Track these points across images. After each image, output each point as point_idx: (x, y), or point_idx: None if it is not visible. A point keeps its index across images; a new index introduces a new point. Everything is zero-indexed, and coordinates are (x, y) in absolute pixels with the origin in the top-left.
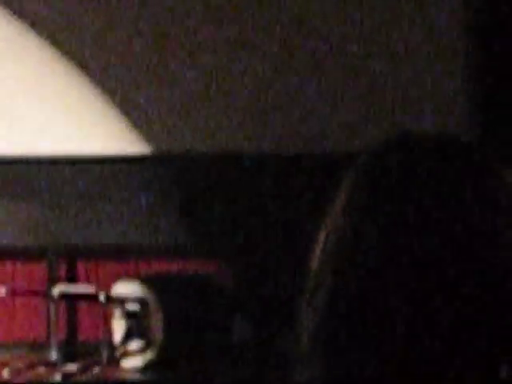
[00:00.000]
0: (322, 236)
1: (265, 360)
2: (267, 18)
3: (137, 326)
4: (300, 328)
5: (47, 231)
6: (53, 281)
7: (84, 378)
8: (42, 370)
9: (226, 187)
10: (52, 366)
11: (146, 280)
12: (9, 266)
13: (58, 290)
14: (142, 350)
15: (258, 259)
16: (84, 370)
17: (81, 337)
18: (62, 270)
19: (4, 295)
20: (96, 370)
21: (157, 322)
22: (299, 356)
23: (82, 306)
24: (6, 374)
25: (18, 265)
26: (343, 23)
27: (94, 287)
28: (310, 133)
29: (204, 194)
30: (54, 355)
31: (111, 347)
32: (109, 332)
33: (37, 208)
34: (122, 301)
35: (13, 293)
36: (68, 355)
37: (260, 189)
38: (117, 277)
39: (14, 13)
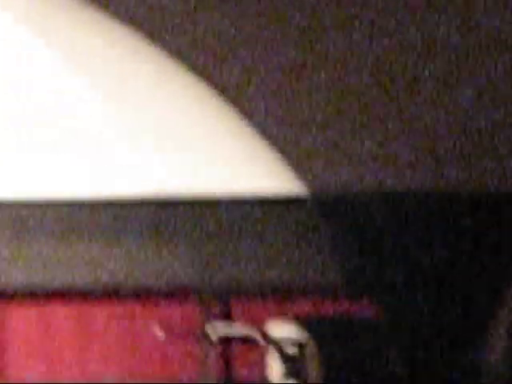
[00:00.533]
0: None
1: None
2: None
3: (295, 369)
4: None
5: (200, 271)
6: (208, 321)
7: None
8: None
9: (381, 225)
10: None
11: (302, 321)
12: (163, 306)
13: (215, 331)
14: None
15: (410, 296)
16: None
17: (236, 377)
18: (216, 310)
19: (163, 338)
20: None
21: (315, 366)
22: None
23: (238, 346)
24: None
25: (172, 305)
26: None
27: (251, 328)
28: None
29: (356, 232)
30: None
31: None
32: (265, 374)
33: (191, 249)
34: (279, 343)
35: (170, 334)
36: None
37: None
38: (270, 316)
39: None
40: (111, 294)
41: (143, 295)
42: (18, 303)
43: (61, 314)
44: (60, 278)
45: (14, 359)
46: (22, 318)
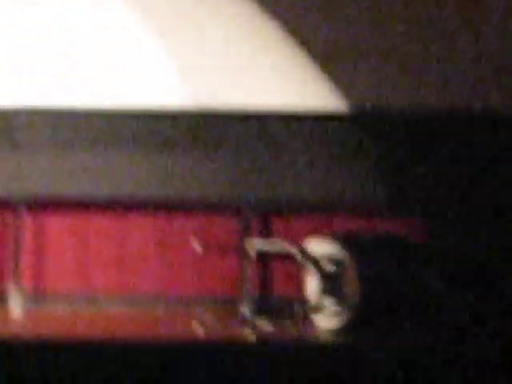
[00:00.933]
0: None
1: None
2: None
3: (331, 286)
4: None
5: (240, 185)
6: (246, 236)
7: (278, 336)
8: (235, 326)
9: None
10: (245, 322)
11: (340, 239)
12: (202, 219)
13: (253, 247)
14: (338, 311)
15: (452, 219)
16: (278, 328)
17: (274, 293)
18: (255, 225)
19: (200, 252)
20: (290, 328)
21: (352, 283)
22: None
23: (276, 262)
24: (199, 328)
25: (212, 219)
26: None
27: (290, 245)
28: None
29: (404, 153)
30: (246, 311)
31: (305, 306)
32: (302, 290)
33: (233, 163)
34: (317, 259)
35: (206, 247)
36: (261, 312)
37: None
38: (309, 233)
39: None
40: (150, 206)
41: (182, 209)
42: (56, 213)
43: (98, 225)
44: (98, 189)
45: (51, 268)
46: (60, 228)
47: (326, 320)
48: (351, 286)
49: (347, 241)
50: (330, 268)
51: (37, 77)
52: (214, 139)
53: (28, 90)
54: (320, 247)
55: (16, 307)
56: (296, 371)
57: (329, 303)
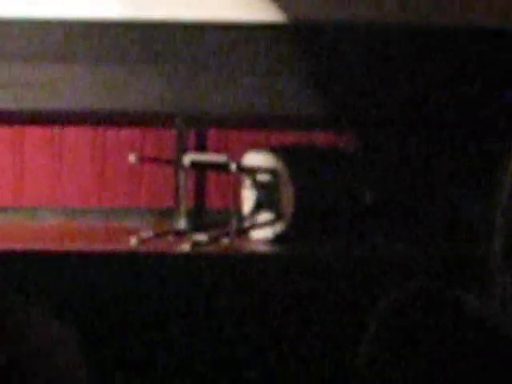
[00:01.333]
0: None
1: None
2: None
3: (267, 197)
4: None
5: (177, 99)
6: (182, 149)
7: (213, 247)
8: (170, 238)
9: (365, 59)
10: (181, 234)
11: (276, 151)
12: (138, 133)
13: (188, 158)
14: (272, 222)
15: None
16: (213, 239)
17: (209, 206)
18: (192, 139)
19: (134, 162)
20: (225, 240)
21: (287, 194)
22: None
23: (211, 175)
24: (134, 242)
25: (147, 132)
26: None
27: (224, 156)
28: None
29: (337, 67)
30: (182, 224)
31: (240, 217)
32: (238, 202)
33: (168, 74)
34: (252, 171)
35: (142, 160)
36: (196, 224)
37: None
38: (247, 147)
39: None
40: (86, 119)
41: (118, 122)
42: (30, 127)
43: (33, 137)
44: (33, 101)
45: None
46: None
47: (261, 232)
48: (286, 197)
49: (282, 153)
50: (265, 179)
51: None
52: (148, 51)
53: None
54: (256, 160)
55: None
56: (230, 283)
57: (264, 215)
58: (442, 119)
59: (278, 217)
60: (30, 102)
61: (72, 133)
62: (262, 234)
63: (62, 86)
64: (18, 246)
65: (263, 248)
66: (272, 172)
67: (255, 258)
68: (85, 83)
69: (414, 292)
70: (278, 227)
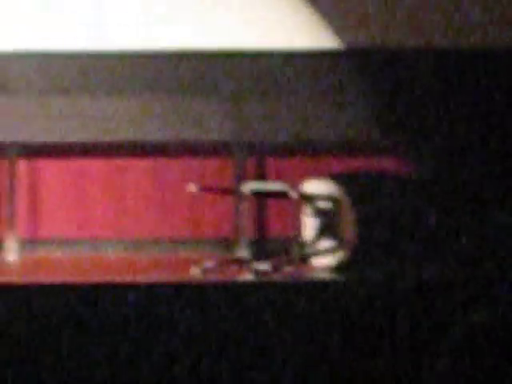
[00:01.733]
0: None
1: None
2: None
3: (328, 224)
4: None
5: (236, 127)
6: (241, 178)
7: (275, 276)
8: (233, 267)
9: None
10: (243, 263)
11: (336, 178)
12: (197, 162)
13: (248, 186)
14: (334, 249)
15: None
16: (276, 268)
17: (270, 234)
18: (251, 168)
19: (194, 191)
20: (287, 268)
21: (348, 220)
22: None
23: (272, 203)
24: (196, 271)
25: (206, 162)
26: None
27: (285, 184)
28: None
29: (398, 92)
30: (243, 252)
31: (301, 245)
32: (299, 230)
33: (226, 103)
34: (313, 198)
35: (202, 189)
36: (258, 253)
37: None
38: (306, 174)
39: None
40: (146, 150)
41: (178, 152)
42: (51, 159)
43: (94, 170)
44: (92, 134)
45: (46, 213)
46: (56, 174)
47: (323, 259)
48: (348, 224)
49: (342, 179)
50: (325, 206)
51: (32, 19)
52: (206, 81)
53: (21, 32)
54: (316, 187)
55: (11, 254)
56: (294, 310)
57: (325, 242)
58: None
59: (340, 244)
60: (91, 134)
61: (133, 164)
62: (324, 261)
63: (121, 119)
64: (82, 279)
65: (325, 275)
66: (333, 199)
67: (318, 286)
68: (144, 115)
69: (488, 320)
70: (340, 254)
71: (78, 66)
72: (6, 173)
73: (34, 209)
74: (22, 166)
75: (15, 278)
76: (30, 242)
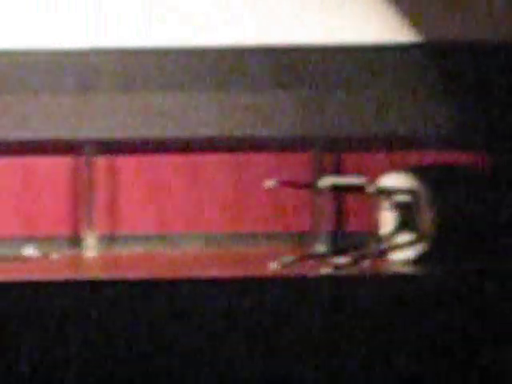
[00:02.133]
0: None
1: None
2: None
3: (406, 218)
4: None
5: (313, 123)
6: (319, 173)
7: (354, 270)
8: (311, 262)
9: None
10: (321, 258)
11: (416, 172)
12: (275, 158)
13: (326, 181)
14: (412, 243)
15: None
16: (354, 262)
17: (348, 229)
18: (329, 162)
19: (273, 187)
20: (365, 262)
21: (427, 214)
22: None
23: (350, 198)
24: (274, 265)
25: (284, 157)
26: None
27: (362, 178)
28: None
29: (476, 87)
30: (321, 247)
31: (379, 239)
32: (376, 224)
33: (303, 99)
34: (391, 192)
35: (282, 184)
36: (336, 247)
37: None
38: (384, 169)
39: None
40: (223, 145)
41: (255, 147)
42: (128, 155)
43: (171, 166)
44: (168, 129)
45: (126, 209)
46: (132, 170)
47: (401, 253)
48: (426, 217)
49: (421, 173)
50: (403, 200)
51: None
52: (284, 76)
53: (99, 29)
54: (393, 181)
55: (90, 250)
56: (372, 304)
57: (403, 236)
58: None
59: (418, 238)
60: (167, 130)
61: (210, 159)
62: (402, 255)
63: (197, 114)
64: (161, 274)
65: (404, 269)
66: (411, 193)
67: (396, 280)
68: (222, 111)
69: None
70: (419, 248)
71: (154, 62)
72: (84, 170)
73: (112, 206)
74: (100, 162)
75: (95, 275)
76: (108, 239)
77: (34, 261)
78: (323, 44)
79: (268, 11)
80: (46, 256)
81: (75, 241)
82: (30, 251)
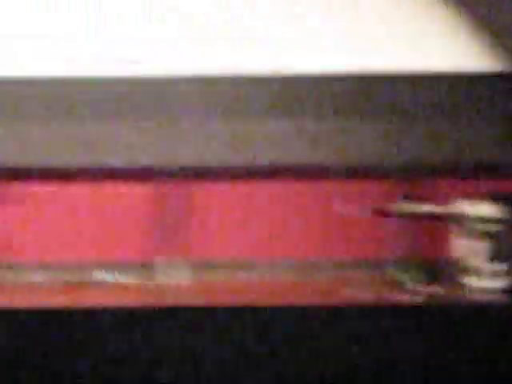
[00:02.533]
0: None
1: None
2: None
3: (498, 247)
4: None
5: (387, 149)
6: (394, 200)
7: (433, 298)
8: (386, 288)
9: None
10: (398, 285)
11: (498, 199)
12: (350, 184)
13: (402, 209)
14: (505, 272)
15: None
16: (432, 289)
17: (423, 255)
18: (403, 189)
19: (348, 213)
20: (440, 289)
21: (510, 242)
22: None
23: (425, 224)
24: (349, 292)
25: (358, 183)
26: None
27: (437, 205)
28: None
29: None
30: (397, 274)
31: (454, 266)
32: (453, 251)
33: (379, 126)
34: (481, 220)
35: (356, 211)
36: (412, 275)
37: None
38: (459, 195)
39: None
40: (292, 172)
41: (328, 174)
42: (218, 181)
43: (259, 191)
44: (248, 155)
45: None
46: (223, 196)
47: (493, 282)
48: (509, 245)
49: (505, 201)
50: (495, 229)
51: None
52: (361, 103)
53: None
54: (472, 208)
55: (184, 277)
56: (456, 333)
57: (495, 265)
58: None
59: (503, 267)
60: (249, 157)
61: (294, 186)
62: (494, 284)
63: (288, 142)
64: (252, 302)
65: (496, 298)
66: (495, 221)
67: (489, 309)
68: (295, 138)
69: None
70: (505, 277)
71: (236, 90)
72: (178, 196)
73: (204, 231)
74: (193, 188)
75: (188, 301)
76: (202, 265)
77: (107, 286)
78: (408, 72)
79: (354, 41)
80: (118, 282)
81: (169, 269)
82: (102, 276)
